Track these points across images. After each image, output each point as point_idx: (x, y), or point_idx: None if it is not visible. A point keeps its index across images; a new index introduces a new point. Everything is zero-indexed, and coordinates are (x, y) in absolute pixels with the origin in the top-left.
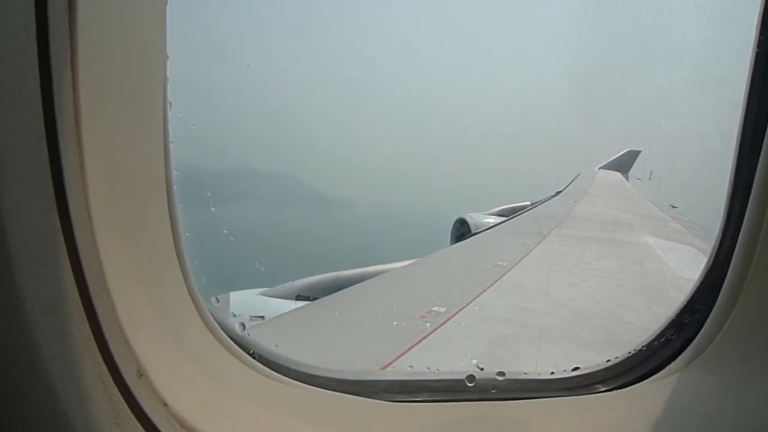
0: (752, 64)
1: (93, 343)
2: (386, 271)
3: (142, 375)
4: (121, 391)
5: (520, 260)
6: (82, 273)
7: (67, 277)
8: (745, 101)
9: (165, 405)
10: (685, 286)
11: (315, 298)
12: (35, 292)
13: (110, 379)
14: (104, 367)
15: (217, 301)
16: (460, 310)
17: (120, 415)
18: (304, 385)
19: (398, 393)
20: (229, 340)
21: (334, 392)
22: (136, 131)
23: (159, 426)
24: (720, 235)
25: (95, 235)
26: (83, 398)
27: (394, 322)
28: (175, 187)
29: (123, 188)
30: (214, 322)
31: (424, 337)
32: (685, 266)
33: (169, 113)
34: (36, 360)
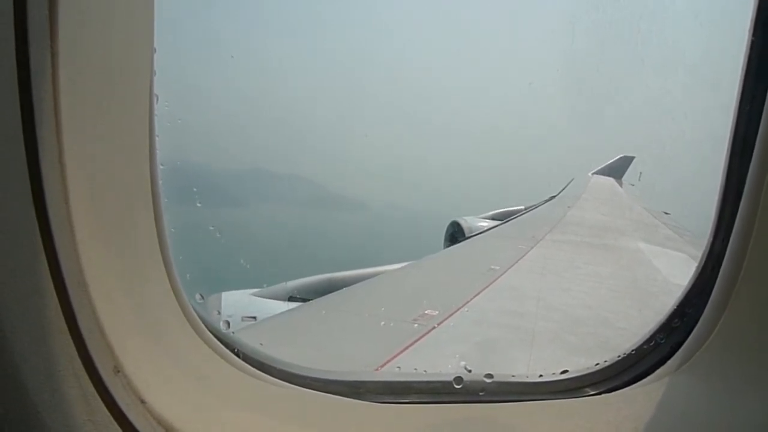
0: (744, 68)
1: (68, 336)
2: (379, 273)
3: (118, 371)
4: (95, 387)
5: (514, 264)
6: (58, 264)
7: (42, 268)
8: (737, 106)
9: (142, 402)
10: (675, 292)
11: (307, 300)
12: (8, 283)
13: (85, 374)
14: (79, 362)
15: (202, 298)
16: (453, 313)
17: (94, 412)
18: (289, 384)
19: (385, 394)
20: (213, 337)
21: (319, 392)
22: (121, 124)
23: (135, 423)
24: (711, 240)
25: (73, 227)
26: (55, 393)
27: (387, 325)
28: (160, 182)
29: (105, 181)
30: (198, 319)
31: (417, 340)
32: (675, 273)
33: (156, 107)
34: (6, 353)
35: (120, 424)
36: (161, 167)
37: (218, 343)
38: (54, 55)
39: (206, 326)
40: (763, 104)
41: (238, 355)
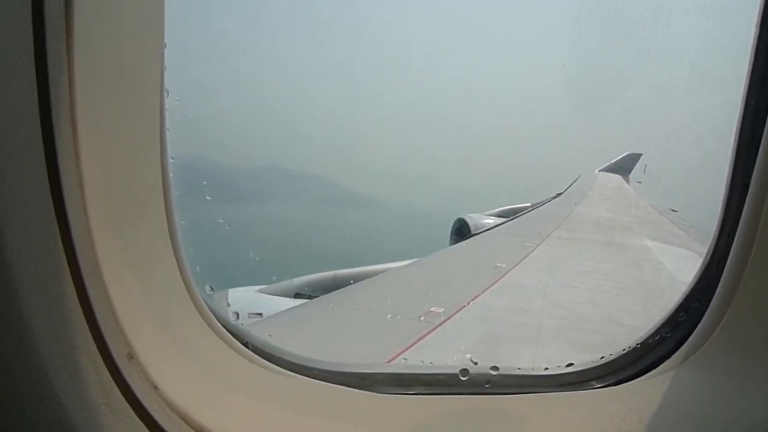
0: (751, 63)
1: (84, 322)
2: (385, 270)
3: (132, 357)
4: (111, 373)
5: (520, 262)
6: (74, 252)
7: (59, 255)
8: (743, 102)
9: (155, 388)
10: (681, 290)
11: (313, 297)
12: (28, 269)
13: (100, 359)
14: (95, 348)
15: (212, 289)
16: (459, 310)
17: (110, 396)
18: (297, 375)
19: (392, 385)
20: (223, 328)
21: (327, 383)
22: (132, 117)
23: (149, 409)
24: (717, 234)
25: (88, 216)
26: (73, 377)
27: (393, 322)
28: (171, 175)
29: (118, 172)
30: (208, 310)
31: (422, 337)
32: (681, 269)
33: (166, 101)
34: (25, 338)
35: (134, 410)
36: (171, 160)
37: (227, 333)
38: (69, 48)
39: (216, 317)
40: None
41: (246, 346)
